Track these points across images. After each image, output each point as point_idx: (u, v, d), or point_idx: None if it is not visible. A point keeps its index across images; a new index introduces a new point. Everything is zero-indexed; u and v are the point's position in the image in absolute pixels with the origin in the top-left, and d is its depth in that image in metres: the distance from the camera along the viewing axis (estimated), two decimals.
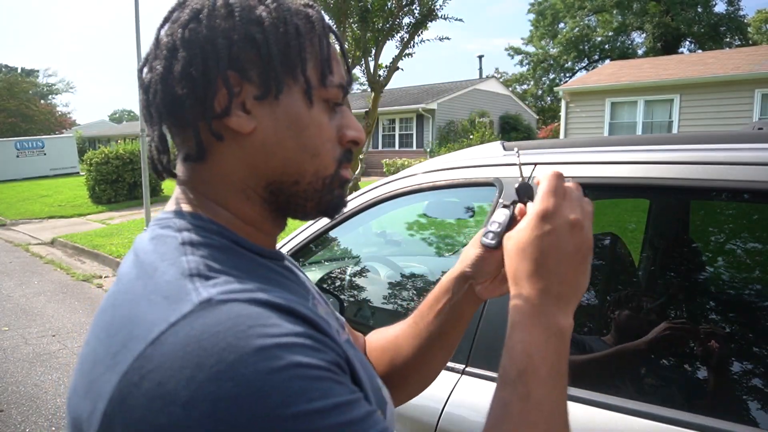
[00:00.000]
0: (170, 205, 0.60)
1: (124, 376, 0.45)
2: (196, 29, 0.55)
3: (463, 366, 1.33)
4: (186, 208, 0.58)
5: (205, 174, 0.58)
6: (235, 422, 0.41)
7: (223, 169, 0.57)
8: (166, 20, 0.58)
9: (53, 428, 3.39)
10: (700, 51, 28.45)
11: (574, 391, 1.21)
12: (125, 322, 0.49)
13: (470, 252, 0.75)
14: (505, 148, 1.58)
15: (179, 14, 0.57)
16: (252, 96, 0.55)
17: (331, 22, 0.63)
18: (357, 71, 7.98)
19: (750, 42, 30.65)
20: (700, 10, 29.83)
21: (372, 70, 8.04)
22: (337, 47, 0.64)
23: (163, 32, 0.58)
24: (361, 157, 9.21)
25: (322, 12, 0.64)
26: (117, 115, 71.18)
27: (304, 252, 1.94)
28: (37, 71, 56.37)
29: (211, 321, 0.45)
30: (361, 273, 2.33)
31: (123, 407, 0.44)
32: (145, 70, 0.58)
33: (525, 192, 0.68)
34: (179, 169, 0.61)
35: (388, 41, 7.96)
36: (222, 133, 0.55)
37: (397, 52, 7.94)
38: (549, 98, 35.18)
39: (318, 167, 0.59)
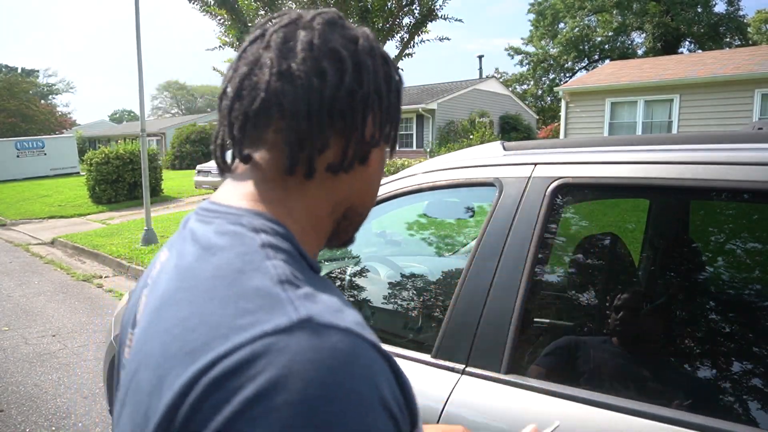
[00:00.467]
0: (236, 199, 0.59)
1: (199, 372, 0.44)
2: (372, 65, 0.61)
3: (463, 366, 1.33)
4: (261, 207, 0.58)
5: (319, 183, 0.61)
6: None
7: (337, 184, 0.62)
8: (333, 27, 0.60)
9: (53, 428, 3.39)
10: (700, 51, 28.46)
11: (574, 391, 1.21)
12: (208, 320, 0.47)
13: None
14: (505, 148, 1.58)
15: (350, 36, 0.61)
16: (383, 138, 0.64)
17: None
18: None
19: (750, 42, 30.65)
20: (700, 10, 29.82)
21: None
22: None
23: (338, 42, 0.59)
24: None
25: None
26: (117, 115, 71.19)
27: None
28: (37, 71, 56.42)
29: (307, 345, 0.44)
30: (361, 273, 2.33)
31: (188, 401, 0.44)
32: (310, 68, 0.57)
33: None
34: (270, 169, 0.60)
35: (388, 41, 7.95)
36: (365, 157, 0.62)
37: (397, 52, 7.94)
38: (549, 98, 35.16)
39: (372, 207, 0.70)
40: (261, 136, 0.59)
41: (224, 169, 0.64)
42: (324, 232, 0.63)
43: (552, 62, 34.68)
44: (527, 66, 36.55)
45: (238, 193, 0.60)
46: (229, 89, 0.60)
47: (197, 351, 0.45)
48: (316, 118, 0.56)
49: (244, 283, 0.49)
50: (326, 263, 2.45)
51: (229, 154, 0.64)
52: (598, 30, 33.71)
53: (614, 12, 32.29)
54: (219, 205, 0.59)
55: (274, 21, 0.62)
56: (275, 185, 0.59)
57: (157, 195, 15.44)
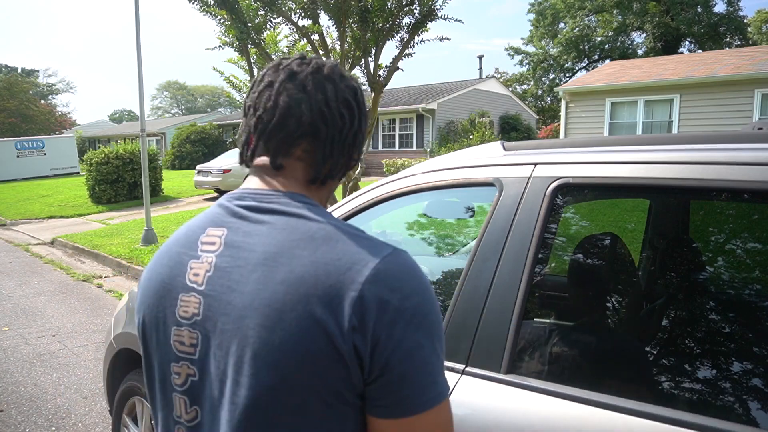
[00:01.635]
0: (281, 186, 0.85)
1: (367, 279, 0.71)
2: (364, 111, 0.89)
3: (463, 366, 1.33)
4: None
5: (326, 187, 0.91)
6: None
7: (330, 187, 0.91)
8: (343, 78, 0.87)
9: (53, 428, 3.39)
10: (700, 51, 28.47)
11: (574, 391, 1.21)
12: (347, 252, 0.74)
13: None
14: (505, 148, 1.58)
15: (351, 87, 0.89)
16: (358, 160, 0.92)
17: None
18: (357, 71, 7.95)
19: (750, 42, 30.66)
20: (700, 10, 29.82)
21: (372, 70, 8.04)
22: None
23: (348, 93, 0.87)
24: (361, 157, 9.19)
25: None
26: (117, 115, 71.15)
27: None
28: (37, 71, 56.41)
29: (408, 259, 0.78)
30: None
31: (369, 297, 0.70)
32: (336, 113, 0.84)
33: None
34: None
35: (388, 41, 7.95)
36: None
37: (397, 52, 7.94)
38: (549, 98, 35.15)
39: None
40: (290, 151, 0.85)
41: (247, 164, 0.89)
42: None
43: (552, 62, 34.67)
44: (527, 66, 36.56)
45: (276, 184, 0.85)
46: (269, 114, 0.83)
47: (353, 268, 0.72)
48: (338, 147, 0.86)
49: (349, 231, 0.78)
50: None
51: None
52: (598, 30, 33.71)
53: (614, 12, 32.30)
54: (266, 191, 0.84)
55: (300, 64, 0.86)
56: (301, 186, 0.86)
57: (157, 195, 15.45)
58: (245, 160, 0.89)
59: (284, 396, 0.71)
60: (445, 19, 7.62)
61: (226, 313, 0.75)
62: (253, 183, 0.87)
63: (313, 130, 0.83)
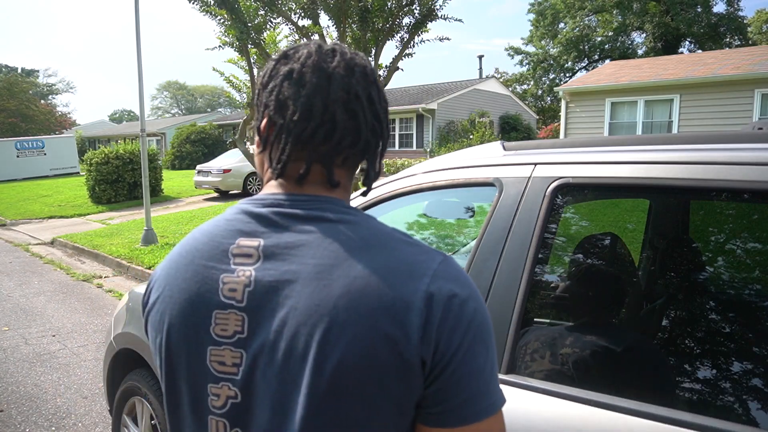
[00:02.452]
0: (325, 192, 0.80)
1: (428, 284, 0.70)
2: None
3: None
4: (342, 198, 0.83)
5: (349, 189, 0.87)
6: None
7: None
8: (374, 82, 0.81)
9: (53, 428, 3.39)
10: (700, 51, 28.46)
11: (574, 391, 1.20)
12: (404, 259, 0.72)
13: None
14: (505, 148, 1.58)
15: (383, 92, 0.84)
16: None
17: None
18: None
19: (750, 42, 30.66)
20: (699, 10, 29.80)
21: None
22: None
23: (374, 94, 0.80)
24: None
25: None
26: (117, 115, 71.16)
27: None
28: (37, 71, 56.43)
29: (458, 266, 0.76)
30: None
31: (435, 300, 0.69)
32: (384, 125, 0.82)
33: None
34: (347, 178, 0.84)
35: (388, 41, 7.95)
36: None
37: (397, 52, 7.94)
38: (549, 98, 35.14)
39: None
40: (340, 164, 0.80)
41: (281, 175, 0.80)
42: None
43: (552, 62, 34.66)
44: (527, 66, 36.54)
45: (311, 189, 0.80)
46: (323, 129, 0.76)
47: (414, 277, 0.70)
48: (381, 153, 0.84)
49: (399, 237, 0.76)
50: None
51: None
52: (598, 30, 33.70)
53: (614, 12, 32.29)
54: (305, 197, 0.79)
55: (345, 67, 0.78)
56: (338, 190, 0.81)
57: (157, 195, 15.45)
58: (278, 167, 0.79)
59: (346, 413, 0.69)
60: (445, 19, 7.62)
61: (278, 330, 0.71)
62: (285, 187, 0.81)
63: (366, 145, 0.80)
